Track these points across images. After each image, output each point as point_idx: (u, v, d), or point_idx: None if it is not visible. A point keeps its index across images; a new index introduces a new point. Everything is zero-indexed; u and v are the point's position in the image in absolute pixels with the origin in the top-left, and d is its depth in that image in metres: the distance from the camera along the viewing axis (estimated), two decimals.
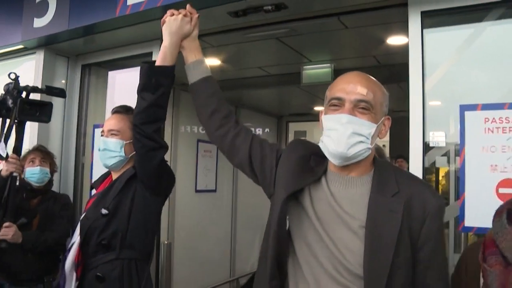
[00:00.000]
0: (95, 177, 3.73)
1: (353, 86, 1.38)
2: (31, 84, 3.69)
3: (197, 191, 5.27)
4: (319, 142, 1.47)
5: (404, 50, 2.64)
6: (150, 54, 3.55)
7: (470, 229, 2.33)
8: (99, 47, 3.85)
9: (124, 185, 2.11)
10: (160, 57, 1.79)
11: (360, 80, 1.40)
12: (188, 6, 1.84)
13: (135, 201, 2.09)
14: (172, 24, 1.76)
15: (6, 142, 2.45)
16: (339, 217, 1.39)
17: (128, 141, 2.19)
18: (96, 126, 3.89)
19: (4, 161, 2.56)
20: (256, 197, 6.57)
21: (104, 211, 2.06)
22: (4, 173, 2.58)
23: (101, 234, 2.06)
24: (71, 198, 3.96)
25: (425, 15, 2.55)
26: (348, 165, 1.42)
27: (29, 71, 3.91)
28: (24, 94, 2.48)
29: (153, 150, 1.98)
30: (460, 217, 2.33)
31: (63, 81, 4.05)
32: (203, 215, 5.37)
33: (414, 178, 1.48)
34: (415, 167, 2.48)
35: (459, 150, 2.38)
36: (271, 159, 1.58)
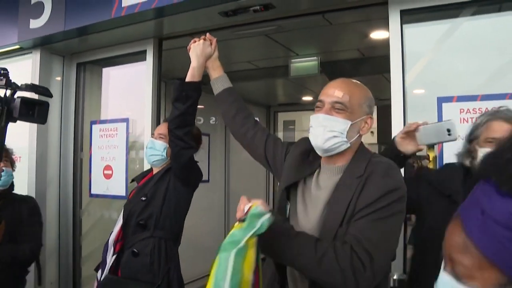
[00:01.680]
0: (94, 171, 3.89)
1: (332, 90, 1.62)
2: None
3: None
4: None
5: (386, 43, 2.80)
6: (144, 52, 3.68)
7: None
8: (94, 46, 3.95)
9: (161, 177, 2.60)
10: (189, 75, 2.17)
11: (339, 85, 1.64)
12: (208, 34, 2.23)
13: (168, 190, 2.56)
14: (196, 48, 2.16)
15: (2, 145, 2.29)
16: (316, 199, 1.63)
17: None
18: (93, 123, 4.02)
19: None
20: (249, 186, 6.76)
21: (143, 198, 2.55)
22: None
23: (140, 215, 2.53)
24: (71, 192, 4.12)
25: (404, 13, 2.71)
26: (333, 157, 1.65)
27: (25, 70, 4.02)
28: (8, 93, 2.27)
29: (183, 149, 2.42)
30: None
31: (59, 79, 4.16)
32: (196, 204, 5.51)
33: (382, 160, 1.61)
34: None
35: None
36: (281, 156, 1.88)
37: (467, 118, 2.46)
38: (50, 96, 2.31)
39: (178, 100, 2.24)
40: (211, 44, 2.20)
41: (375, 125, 2.73)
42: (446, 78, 2.72)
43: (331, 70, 4.62)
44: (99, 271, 2.61)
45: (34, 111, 2.20)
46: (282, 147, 1.91)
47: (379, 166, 1.56)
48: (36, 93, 2.27)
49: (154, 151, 2.65)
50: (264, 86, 6.35)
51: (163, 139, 2.64)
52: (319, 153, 1.67)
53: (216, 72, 2.18)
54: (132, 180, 2.88)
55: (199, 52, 2.15)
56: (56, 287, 4.09)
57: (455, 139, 1.91)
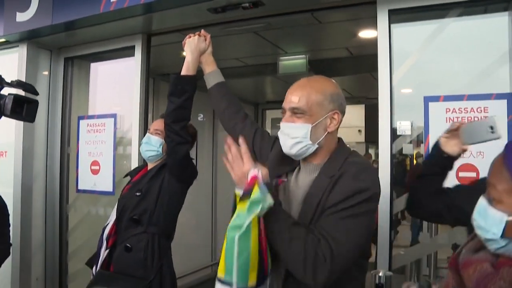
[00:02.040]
0: (81, 166, 3.88)
1: (290, 97, 1.65)
2: (13, 78, 3.80)
3: None
4: None
5: (374, 42, 2.82)
6: (133, 47, 3.67)
7: None
8: (82, 41, 3.92)
9: (156, 173, 2.58)
10: (184, 69, 2.21)
11: (295, 90, 1.66)
12: (202, 30, 2.30)
13: (163, 186, 2.54)
14: (191, 43, 2.23)
15: None
16: (295, 197, 1.68)
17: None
18: (80, 118, 4.00)
19: None
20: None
21: (137, 193, 2.54)
22: None
23: (133, 210, 2.51)
24: (58, 187, 4.10)
25: (392, 13, 2.74)
26: (308, 156, 1.68)
27: (11, 64, 3.98)
28: None
29: (179, 144, 2.40)
30: None
31: (46, 73, 4.12)
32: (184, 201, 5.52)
33: (356, 161, 1.64)
34: (384, 153, 2.70)
35: (424, 138, 2.59)
36: (267, 150, 1.94)
37: (453, 118, 2.50)
38: (37, 94, 2.29)
39: (174, 94, 2.26)
40: (205, 39, 2.27)
41: (362, 124, 2.76)
42: (433, 78, 2.77)
43: (320, 68, 4.64)
44: (94, 266, 2.59)
45: (23, 109, 2.18)
46: (269, 141, 1.97)
47: (351, 167, 1.58)
48: (24, 90, 2.25)
49: (150, 146, 2.64)
50: (252, 84, 6.35)
51: (160, 134, 2.62)
52: (292, 158, 1.71)
53: (210, 67, 2.25)
54: (126, 175, 2.87)
55: (193, 46, 2.21)
56: (42, 283, 4.07)
57: (499, 137, 1.76)
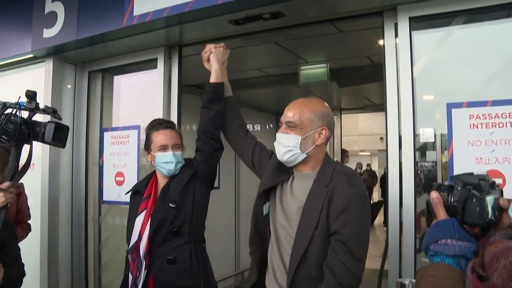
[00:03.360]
0: (106, 179, 3.93)
1: (286, 112, 1.97)
2: (40, 92, 3.88)
3: None
4: None
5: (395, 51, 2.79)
6: (155, 60, 3.72)
7: None
8: (105, 54, 4.00)
9: (186, 184, 2.54)
10: (217, 77, 2.42)
11: (291, 107, 1.98)
12: (222, 44, 2.52)
13: (196, 194, 2.55)
14: (218, 53, 2.45)
15: (27, 169, 2.29)
16: (292, 201, 1.95)
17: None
18: (105, 130, 4.07)
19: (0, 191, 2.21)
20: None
21: (172, 204, 2.48)
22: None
23: (172, 223, 2.47)
24: (83, 198, 4.17)
25: (413, 20, 2.72)
26: (298, 165, 1.98)
27: (38, 78, 4.08)
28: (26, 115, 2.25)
29: (217, 150, 2.51)
30: None
31: (70, 86, 4.21)
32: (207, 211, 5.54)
33: (344, 171, 1.93)
34: (407, 161, 2.67)
35: (447, 145, 2.56)
36: (265, 162, 2.19)
37: (477, 124, 2.47)
38: (60, 119, 2.38)
39: (213, 101, 2.39)
40: (226, 53, 2.50)
41: (384, 131, 2.75)
42: (456, 84, 2.73)
43: (341, 77, 4.64)
44: None
45: (56, 135, 2.24)
46: (267, 154, 2.23)
47: (342, 176, 1.87)
48: (52, 116, 2.32)
49: (179, 164, 2.57)
50: (274, 93, 6.38)
51: (180, 148, 2.61)
52: (286, 164, 1.99)
53: (223, 79, 2.46)
54: (131, 191, 2.74)
55: (219, 56, 2.44)
56: None
57: None
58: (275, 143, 1.99)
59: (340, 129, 7.13)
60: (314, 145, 1.93)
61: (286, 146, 1.93)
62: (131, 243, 2.50)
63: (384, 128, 2.77)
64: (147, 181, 2.69)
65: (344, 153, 8.38)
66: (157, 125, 2.63)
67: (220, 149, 2.52)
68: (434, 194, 1.21)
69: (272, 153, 2.15)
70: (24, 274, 2.58)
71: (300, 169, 1.99)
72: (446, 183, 1.23)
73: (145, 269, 2.44)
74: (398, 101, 2.73)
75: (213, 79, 2.42)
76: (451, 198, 1.18)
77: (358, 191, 1.84)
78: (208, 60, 2.47)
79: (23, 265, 2.60)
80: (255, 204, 2.06)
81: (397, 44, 2.77)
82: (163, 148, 2.56)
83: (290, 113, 1.95)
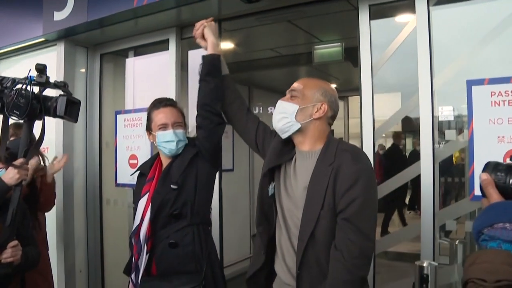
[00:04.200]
0: (120, 161, 3.92)
1: (294, 83, 1.97)
2: (52, 76, 3.87)
3: None
4: None
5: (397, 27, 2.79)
6: (167, 41, 3.69)
7: (480, 197, 2.44)
8: (116, 37, 3.98)
9: (188, 164, 2.43)
10: (212, 49, 2.34)
11: (300, 80, 1.99)
12: (212, 18, 2.43)
13: (198, 174, 2.43)
14: (212, 27, 2.38)
15: (40, 144, 2.31)
16: (295, 182, 1.91)
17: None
18: (118, 112, 4.04)
19: (13, 168, 2.23)
20: None
21: (173, 186, 2.38)
22: (13, 182, 2.24)
23: (173, 205, 2.36)
24: (98, 182, 4.18)
25: None
26: (297, 139, 1.95)
27: (50, 62, 4.05)
28: (36, 90, 2.23)
29: (218, 124, 2.38)
30: (470, 187, 2.46)
31: (83, 70, 4.21)
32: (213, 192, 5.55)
33: (348, 148, 1.87)
34: (425, 141, 2.63)
35: (468, 123, 2.49)
36: (268, 142, 2.15)
37: (499, 101, 2.39)
38: (71, 94, 2.30)
39: (210, 74, 2.30)
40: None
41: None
42: (475, 61, 2.65)
43: (355, 56, 4.54)
44: (133, 273, 2.42)
45: (67, 109, 2.21)
46: (271, 134, 2.18)
47: (346, 154, 1.81)
48: (63, 90, 2.27)
49: (180, 142, 2.45)
50: (287, 74, 6.29)
51: (181, 126, 2.48)
52: (279, 134, 1.98)
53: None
54: (138, 170, 2.65)
55: (213, 29, 2.38)
56: (86, 275, 4.17)
57: None
58: (273, 111, 1.99)
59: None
60: (311, 118, 1.90)
61: (282, 112, 1.93)
62: (134, 226, 2.43)
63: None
64: (151, 162, 2.59)
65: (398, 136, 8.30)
66: (157, 104, 2.53)
67: (221, 124, 2.40)
68: (483, 176, 1.15)
69: (276, 132, 2.10)
70: (40, 256, 2.58)
71: (300, 145, 1.95)
72: (505, 162, 1.16)
73: (147, 253, 2.35)
74: (431, 79, 2.64)
75: (210, 51, 2.34)
76: (510, 180, 1.11)
77: (363, 167, 1.79)
78: (203, 37, 2.38)
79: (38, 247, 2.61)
80: (260, 184, 2.04)
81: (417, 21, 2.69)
82: (163, 126, 2.45)
83: (296, 84, 1.96)
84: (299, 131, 1.91)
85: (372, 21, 2.91)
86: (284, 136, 1.96)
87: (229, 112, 2.36)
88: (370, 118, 2.83)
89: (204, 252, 2.38)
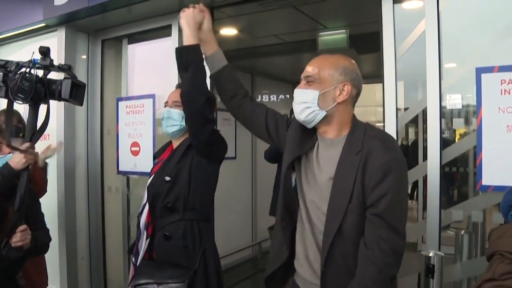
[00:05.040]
0: (121, 148, 3.89)
1: (306, 67, 1.79)
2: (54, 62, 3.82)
3: None
4: None
5: (420, 13, 2.68)
6: (169, 27, 3.63)
7: (487, 187, 2.42)
8: (118, 22, 3.91)
9: (183, 154, 2.34)
10: (185, 42, 2.03)
11: (313, 61, 1.79)
12: (201, 4, 2.12)
13: (193, 168, 2.31)
14: (187, 16, 2.04)
15: (45, 127, 2.26)
16: (319, 173, 1.77)
17: None
18: (119, 99, 4.00)
19: (20, 152, 2.22)
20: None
21: (167, 178, 2.31)
22: (20, 166, 2.23)
23: (166, 198, 2.30)
24: (99, 169, 4.15)
25: None
26: (321, 128, 1.79)
27: (51, 48, 4.01)
28: (41, 73, 2.21)
29: (204, 123, 2.18)
30: (478, 177, 2.42)
31: (84, 57, 4.15)
32: (224, 181, 5.53)
33: (377, 135, 1.73)
34: (432, 128, 2.58)
35: (476, 112, 2.45)
36: (283, 128, 1.99)
37: (509, 90, 2.34)
38: (76, 77, 2.28)
39: (182, 69, 2.03)
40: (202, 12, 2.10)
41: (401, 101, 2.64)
42: (484, 49, 2.59)
43: (361, 43, 4.48)
44: (134, 256, 2.44)
45: (73, 93, 2.20)
46: (283, 120, 2.02)
47: (375, 141, 1.68)
48: (68, 74, 2.25)
49: (172, 121, 2.39)
50: (291, 61, 6.23)
51: (179, 106, 2.34)
52: (305, 125, 1.81)
53: (211, 47, 2.09)
54: (154, 157, 2.65)
55: (189, 18, 2.03)
56: (88, 262, 4.16)
57: None
58: (293, 103, 1.80)
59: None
60: (336, 102, 1.73)
61: (303, 102, 1.75)
62: (139, 209, 2.44)
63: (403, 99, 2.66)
64: (166, 146, 2.56)
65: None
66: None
67: (207, 123, 2.19)
68: None
69: (288, 119, 2.01)
70: (50, 239, 2.60)
71: (324, 134, 1.79)
72: None
73: (146, 238, 2.34)
74: (439, 68, 2.57)
75: (184, 44, 2.04)
76: None
77: (395, 156, 1.65)
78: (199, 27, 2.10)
79: (48, 230, 2.62)
80: (284, 176, 1.85)
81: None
82: (165, 105, 2.45)
83: (309, 67, 1.77)
84: (324, 119, 1.75)
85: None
86: (309, 126, 1.79)
87: (232, 109, 2.12)
88: (394, 107, 2.69)
89: (197, 248, 2.29)
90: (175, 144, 2.45)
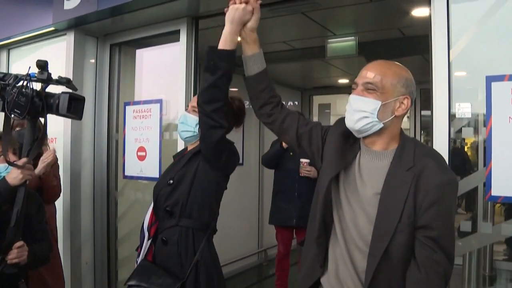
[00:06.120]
0: (128, 152, 3.89)
1: (365, 72, 1.65)
2: (62, 66, 3.84)
3: None
4: None
5: (429, 22, 2.64)
6: (177, 32, 3.62)
7: (496, 198, 2.37)
8: (126, 27, 3.93)
9: (190, 159, 2.30)
10: (221, 42, 1.88)
11: (373, 67, 1.66)
12: (258, 2, 1.90)
13: (197, 174, 2.25)
14: (233, 13, 1.85)
15: (42, 142, 2.29)
16: (363, 186, 1.66)
17: None
18: (126, 104, 4.00)
19: (17, 168, 2.15)
20: None
21: (170, 181, 2.28)
22: (17, 182, 2.16)
23: (166, 201, 2.27)
24: (105, 173, 4.14)
25: None
26: (369, 139, 1.69)
27: (59, 52, 4.04)
28: (39, 87, 2.18)
29: (212, 128, 2.07)
30: (487, 187, 2.38)
31: (93, 61, 4.16)
32: (231, 187, 5.51)
33: (430, 153, 1.66)
34: (440, 138, 2.53)
35: (486, 121, 2.40)
36: (317, 140, 1.86)
37: None
38: (76, 89, 2.26)
39: (207, 70, 1.93)
40: (251, 11, 1.88)
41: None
42: (495, 57, 2.56)
43: (370, 50, 4.46)
44: (137, 256, 2.42)
45: (71, 106, 2.15)
46: (317, 131, 1.88)
47: (429, 160, 1.59)
48: (67, 87, 2.23)
49: (186, 126, 2.37)
50: (300, 68, 6.22)
51: (197, 112, 2.20)
52: (354, 134, 1.70)
53: (251, 48, 1.91)
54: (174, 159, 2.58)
55: (236, 17, 1.85)
56: (92, 267, 4.15)
57: None
58: (347, 107, 1.68)
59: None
60: (393, 115, 1.63)
61: (362, 111, 1.62)
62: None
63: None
64: (184, 149, 2.55)
65: None
66: None
67: (216, 128, 2.07)
68: None
69: (322, 128, 1.87)
70: (51, 250, 2.56)
71: (371, 145, 1.69)
72: None
73: (148, 239, 2.32)
74: (448, 75, 2.54)
75: (220, 43, 1.89)
76: None
77: (450, 178, 1.58)
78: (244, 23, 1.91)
79: (50, 240, 2.58)
80: (326, 190, 1.71)
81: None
82: (186, 108, 2.44)
83: (370, 74, 1.63)
84: (379, 130, 1.65)
85: None
86: (360, 136, 1.69)
87: (262, 114, 1.98)
88: (446, 113, 2.55)
89: (189, 258, 2.21)
90: (189, 148, 2.44)
